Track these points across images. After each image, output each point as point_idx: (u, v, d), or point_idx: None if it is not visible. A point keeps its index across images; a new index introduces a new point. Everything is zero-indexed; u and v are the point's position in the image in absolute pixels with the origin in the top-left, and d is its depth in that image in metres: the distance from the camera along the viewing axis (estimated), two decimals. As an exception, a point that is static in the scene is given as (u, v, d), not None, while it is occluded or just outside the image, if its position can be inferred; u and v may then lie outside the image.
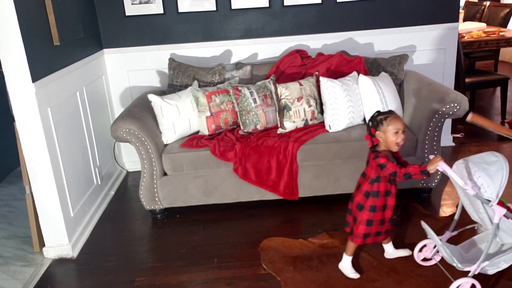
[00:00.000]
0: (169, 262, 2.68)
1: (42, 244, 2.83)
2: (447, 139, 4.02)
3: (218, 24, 3.66)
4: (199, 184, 3.07)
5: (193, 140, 3.12)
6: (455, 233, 2.40)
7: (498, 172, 2.01)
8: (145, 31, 3.65)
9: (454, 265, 2.16)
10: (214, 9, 3.61)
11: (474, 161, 2.07)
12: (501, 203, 2.08)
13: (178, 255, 2.74)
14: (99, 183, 3.39)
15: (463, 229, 2.43)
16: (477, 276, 2.16)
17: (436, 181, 3.13)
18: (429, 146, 3.04)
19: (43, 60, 2.66)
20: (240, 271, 2.54)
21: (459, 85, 4.38)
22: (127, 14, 3.60)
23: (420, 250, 2.47)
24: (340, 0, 3.61)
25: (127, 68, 3.75)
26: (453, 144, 4.08)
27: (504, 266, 2.15)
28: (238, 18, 3.65)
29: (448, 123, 4.01)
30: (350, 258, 2.42)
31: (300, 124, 3.22)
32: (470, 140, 4.16)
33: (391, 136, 2.19)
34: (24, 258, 2.82)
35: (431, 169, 2.06)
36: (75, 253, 2.82)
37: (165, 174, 3.09)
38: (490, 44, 4.95)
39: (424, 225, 2.27)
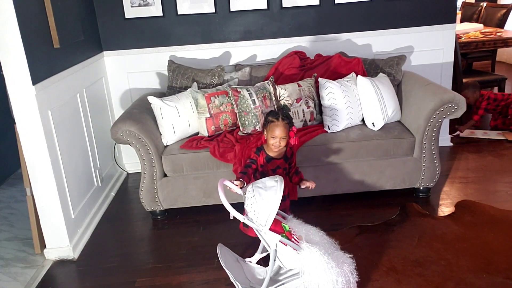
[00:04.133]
0: (169, 263, 2.70)
1: (43, 245, 2.84)
2: (445, 139, 4.05)
3: (217, 26, 3.68)
4: (199, 185, 3.08)
5: (192, 142, 3.13)
6: (264, 254, 2.35)
7: (272, 198, 1.97)
8: (145, 34, 3.67)
9: None
10: (213, 11, 3.62)
11: (255, 185, 2.05)
12: (281, 228, 2.07)
13: (178, 256, 2.76)
14: (100, 184, 3.40)
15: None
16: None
17: (434, 180, 3.15)
18: (427, 147, 3.05)
19: (43, 62, 2.67)
20: (240, 271, 2.55)
21: (457, 86, 4.41)
22: (126, 16, 3.61)
23: None
24: (338, 1, 3.64)
25: (126, 70, 3.76)
26: (451, 144, 4.10)
27: None
28: (237, 20, 3.67)
29: (446, 123, 4.04)
30: None
31: (299, 125, 3.24)
32: (469, 140, 4.19)
33: (269, 138, 2.37)
34: (25, 259, 2.83)
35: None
36: (76, 255, 2.84)
37: (165, 175, 3.10)
38: (487, 45, 4.98)
39: (219, 253, 2.21)
